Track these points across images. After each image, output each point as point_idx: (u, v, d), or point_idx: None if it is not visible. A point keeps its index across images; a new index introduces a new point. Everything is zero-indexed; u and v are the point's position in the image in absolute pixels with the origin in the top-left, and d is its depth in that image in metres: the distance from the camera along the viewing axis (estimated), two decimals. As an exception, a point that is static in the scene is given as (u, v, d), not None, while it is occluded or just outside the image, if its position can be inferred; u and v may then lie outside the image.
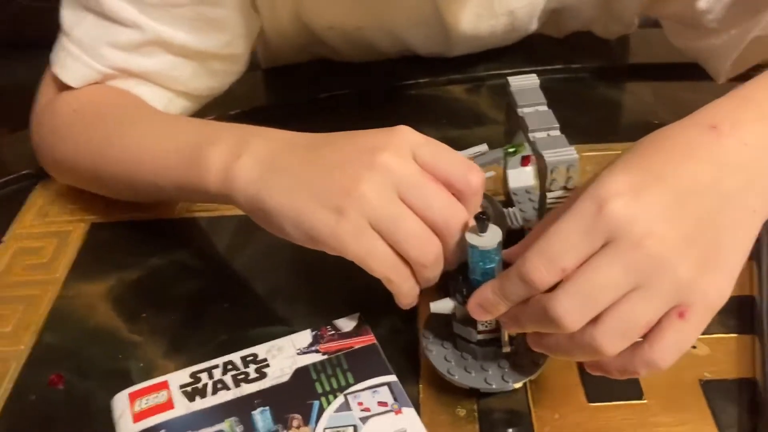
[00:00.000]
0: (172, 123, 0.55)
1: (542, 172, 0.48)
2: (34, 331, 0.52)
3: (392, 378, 0.45)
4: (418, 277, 0.44)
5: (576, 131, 0.49)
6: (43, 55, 0.61)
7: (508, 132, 0.56)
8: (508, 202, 0.58)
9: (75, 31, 0.58)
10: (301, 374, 0.46)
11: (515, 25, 0.69)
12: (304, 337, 0.49)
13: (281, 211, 0.44)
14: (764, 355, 0.45)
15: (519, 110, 0.52)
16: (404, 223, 0.42)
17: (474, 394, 0.45)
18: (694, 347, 0.47)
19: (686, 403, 0.44)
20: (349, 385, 0.45)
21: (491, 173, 0.52)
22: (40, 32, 0.63)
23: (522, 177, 0.59)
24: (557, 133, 0.50)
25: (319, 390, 0.45)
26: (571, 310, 0.36)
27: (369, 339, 0.48)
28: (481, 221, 0.41)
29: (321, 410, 0.44)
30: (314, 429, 0.43)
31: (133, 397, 0.45)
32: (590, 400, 0.45)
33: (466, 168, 0.43)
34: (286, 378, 0.46)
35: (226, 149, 0.47)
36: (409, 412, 0.44)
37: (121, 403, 0.45)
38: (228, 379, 0.46)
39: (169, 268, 0.56)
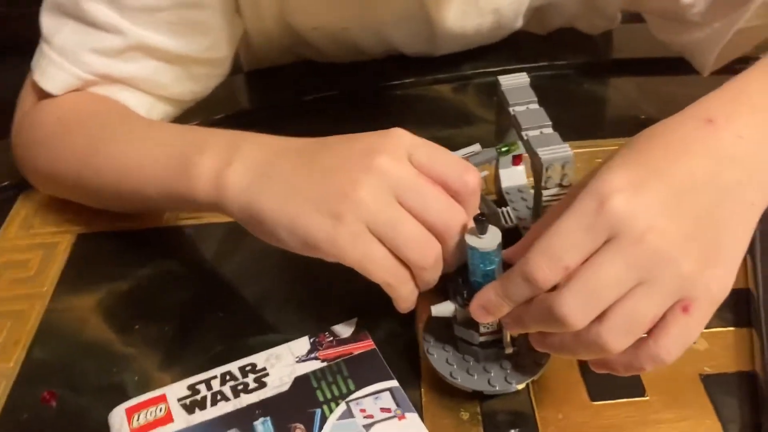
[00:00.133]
0: (158, 130, 0.54)
1: (537, 170, 0.47)
2: (23, 347, 0.51)
3: (394, 383, 0.45)
4: (417, 281, 0.43)
5: (564, 128, 0.49)
6: (23, 63, 0.59)
7: (499, 131, 0.56)
8: (501, 202, 0.58)
9: (55, 38, 0.57)
10: (301, 382, 0.45)
11: (501, 22, 0.68)
12: (302, 344, 0.48)
13: (275, 218, 0.43)
14: (763, 349, 0.45)
15: (510, 109, 0.52)
16: (403, 226, 0.42)
17: (476, 396, 0.45)
18: (693, 342, 0.47)
19: (688, 399, 0.44)
20: (350, 392, 0.45)
21: (485, 173, 0.52)
22: (18, 39, 0.62)
23: (514, 176, 0.59)
24: (550, 130, 0.49)
25: (321, 398, 0.44)
26: (576, 309, 0.36)
27: (368, 344, 0.48)
28: (481, 223, 0.40)
29: (323, 419, 0.43)
30: (318, 438, 0.42)
31: (131, 411, 0.44)
32: (593, 398, 0.45)
33: (463, 169, 0.43)
34: (286, 387, 0.45)
35: (216, 157, 0.46)
36: (413, 418, 0.43)
37: (118, 418, 0.44)
38: (227, 390, 0.45)
39: (160, 278, 0.55)
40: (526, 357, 0.44)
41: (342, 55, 0.72)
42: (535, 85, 0.53)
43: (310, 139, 0.46)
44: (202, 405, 0.45)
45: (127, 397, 0.45)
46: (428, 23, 0.67)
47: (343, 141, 0.44)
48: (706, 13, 0.60)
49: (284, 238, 0.43)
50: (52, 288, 0.55)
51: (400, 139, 0.43)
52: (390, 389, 0.45)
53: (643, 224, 0.36)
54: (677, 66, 0.67)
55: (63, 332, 0.52)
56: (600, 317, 0.36)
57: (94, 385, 0.48)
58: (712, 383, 0.45)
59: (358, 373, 0.46)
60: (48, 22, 0.57)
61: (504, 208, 0.57)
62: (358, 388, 0.45)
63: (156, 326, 0.51)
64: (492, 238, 0.41)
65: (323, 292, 0.53)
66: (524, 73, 0.54)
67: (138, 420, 0.44)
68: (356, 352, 0.47)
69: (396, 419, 0.43)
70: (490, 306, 0.40)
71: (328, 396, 0.45)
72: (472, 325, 0.43)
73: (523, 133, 0.50)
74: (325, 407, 0.44)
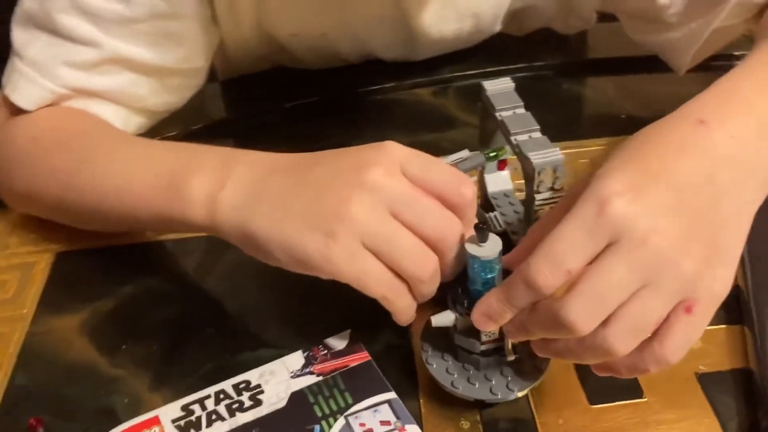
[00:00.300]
0: (143, 148, 0.53)
1: (529, 175, 0.47)
2: (6, 373, 0.49)
3: (392, 395, 0.44)
4: (415, 293, 0.43)
5: (545, 129, 0.49)
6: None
7: (484, 136, 0.56)
8: (487, 207, 0.58)
9: (28, 52, 0.55)
10: (297, 398, 0.45)
11: (480, 26, 0.68)
12: (296, 359, 0.47)
13: (269, 238, 0.42)
14: (757, 346, 0.45)
15: (497, 114, 0.51)
16: (399, 240, 0.41)
17: (476, 404, 0.44)
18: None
19: (686, 398, 0.45)
20: (348, 406, 0.44)
21: (473, 178, 0.52)
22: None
23: (499, 181, 0.58)
24: (539, 134, 0.49)
25: (319, 413, 0.44)
26: (583, 314, 0.36)
27: (363, 356, 0.47)
28: (481, 231, 0.40)
29: (323, 434, 0.43)
30: (319, 455, 0.42)
31: (124, 436, 0.43)
32: (592, 402, 0.45)
33: (459, 181, 0.42)
34: (282, 403, 0.45)
35: (209, 178, 0.45)
36: (413, 430, 0.43)
37: (111, 443, 0.43)
38: (222, 409, 0.44)
39: (145, 295, 0.54)
40: (526, 363, 0.44)
41: (320, 62, 0.71)
42: (515, 87, 0.52)
43: (301, 155, 0.45)
44: (197, 426, 0.44)
45: (118, 421, 0.44)
46: (407, 28, 0.67)
47: (335, 156, 0.44)
48: (683, 14, 0.60)
49: (279, 258, 0.42)
50: (32, 310, 0.53)
51: (392, 152, 0.42)
52: (389, 401, 0.44)
53: (645, 227, 0.36)
54: (653, 64, 0.67)
55: (47, 356, 0.50)
56: (605, 321, 0.36)
57: (82, 409, 0.47)
58: (708, 382, 0.45)
59: (355, 386, 0.45)
60: (19, 35, 0.55)
61: (491, 214, 0.57)
62: (356, 401, 0.44)
63: (144, 345, 0.50)
64: (492, 246, 0.40)
65: (313, 304, 0.52)
66: (508, 78, 0.54)
67: (132, 444, 0.43)
68: (352, 365, 0.46)
69: (397, 432, 0.43)
70: (492, 313, 0.40)
71: (326, 411, 0.44)
72: (473, 333, 0.42)
73: (512, 138, 0.49)
74: (323, 423, 0.43)
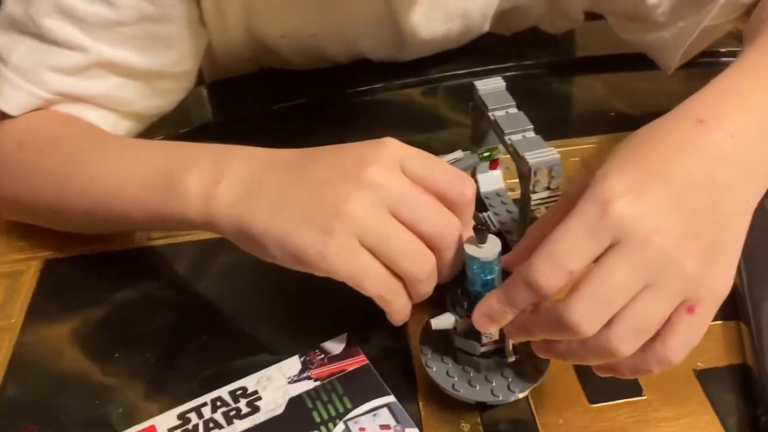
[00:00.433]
0: (136, 147, 0.52)
1: (525, 175, 0.47)
2: (-5, 385, 0.48)
3: (391, 398, 0.44)
4: (411, 293, 0.43)
5: (536, 129, 0.49)
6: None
7: (476, 136, 0.55)
8: (480, 207, 0.58)
9: (12, 57, 0.54)
10: (295, 404, 0.44)
11: (469, 26, 0.68)
12: (293, 364, 0.47)
13: (266, 233, 0.42)
14: (754, 341, 0.45)
15: (490, 114, 0.51)
16: (397, 239, 0.41)
17: (475, 406, 0.44)
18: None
19: (685, 395, 0.45)
20: (347, 411, 0.44)
21: (468, 179, 0.51)
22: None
23: (492, 180, 0.58)
24: (532, 134, 0.49)
25: (317, 419, 0.43)
26: (587, 316, 0.36)
27: (360, 360, 0.47)
28: (481, 232, 0.40)
29: (323, 440, 0.42)
30: (319, 461, 0.41)
31: (120, 446, 0.42)
32: (591, 401, 0.44)
33: (460, 179, 0.42)
34: (280, 410, 0.44)
35: (204, 174, 0.45)
36: (414, 433, 0.42)
37: (107, 454, 0.42)
38: (219, 416, 0.44)
39: (137, 301, 0.53)
40: (526, 364, 0.44)
41: (308, 63, 0.71)
42: (505, 86, 0.52)
43: (298, 151, 0.45)
44: (194, 434, 0.43)
45: (113, 431, 0.43)
46: (396, 29, 0.66)
47: (333, 152, 0.43)
48: (671, 13, 0.60)
49: (276, 254, 0.42)
50: (20, 319, 0.52)
51: (392, 149, 0.42)
52: (388, 405, 0.44)
53: (647, 227, 0.36)
54: (642, 62, 0.67)
55: (37, 366, 0.49)
56: (609, 323, 0.36)
57: (76, 420, 0.46)
58: (706, 378, 0.45)
59: (354, 390, 0.45)
60: (2, 40, 0.54)
61: (484, 214, 0.56)
62: (355, 406, 0.44)
63: (137, 353, 0.49)
64: (492, 247, 0.40)
65: (309, 307, 0.51)
66: (500, 78, 0.54)
67: (128, 455, 0.42)
68: (349, 369, 0.46)
69: (398, 436, 0.42)
70: (493, 314, 0.39)
71: (325, 416, 0.43)
72: (474, 335, 0.42)
73: (506, 138, 0.49)
74: (323, 428, 0.43)
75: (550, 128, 0.50)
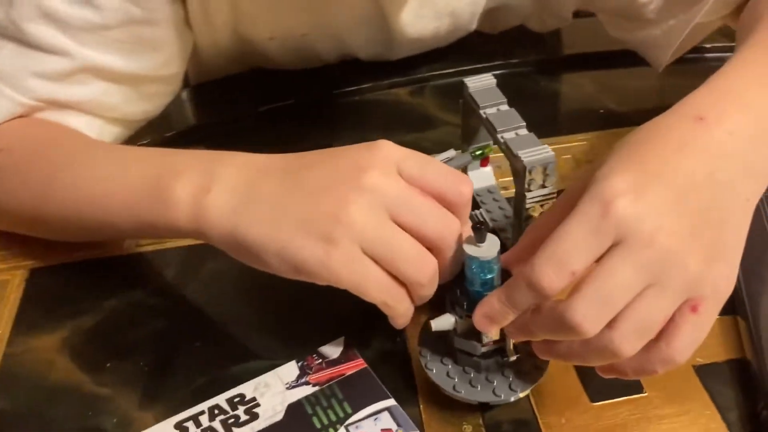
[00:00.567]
0: (123, 155, 0.51)
1: (519, 174, 0.47)
2: (-17, 398, 0.47)
3: (391, 402, 0.44)
4: (413, 297, 0.42)
5: (527, 127, 0.48)
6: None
7: (466, 134, 0.55)
8: (473, 204, 0.57)
9: (-7, 62, 0.53)
10: (294, 410, 0.44)
11: (457, 25, 0.68)
12: (291, 369, 0.46)
13: (263, 244, 0.41)
14: (752, 335, 0.45)
15: (482, 111, 0.51)
16: (399, 245, 0.40)
17: (477, 407, 0.44)
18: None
19: (685, 391, 0.44)
20: (348, 416, 0.43)
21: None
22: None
23: (483, 177, 0.58)
24: (525, 131, 0.49)
25: (318, 425, 0.43)
26: (589, 316, 0.35)
27: (359, 363, 0.46)
28: (479, 231, 0.39)
29: (324, 446, 0.42)
30: (321, 468, 0.41)
31: (116, 458, 0.41)
32: (593, 399, 0.44)
33: (458, 180, 0.42)
34: (279, 416, 0.43)
35: (193, 181, 0.44)
36: (416, 436, 0.42)
37: (103, 466, 0.41)
38: (217, 425, 0.43)
39: (128, 309, 0.52)
40: (526, 362, 0.43)
41: (296, 63, 0.70)
42: (495, 83, 0.52)
43: (292, 156, 0.44)
44: (193, 444, 0.42)
45: (108, 443, 0.42)
46: (385, 27, 0.66)
47: (328, 157, 0.43)
48: (662, 11, 0.60)
49: (273, 264, 0.41)
50: (7, 330, 0.51)
51: (388, 153, 0.41)
52: (388, 408, 0.43)
53: (650, 226, 0.35)
54: (631, 58, 0.67)
55: (27, 377, 0.48)
56: (611, 323, 0.36)
57: (69, 432, 0.45)
58: (705, 373, 0.45)
59: (353, 394, 0.44)
60: (-17, 45, 0.53)
61: (476, 211, 0.56)
62: (355, 410, 0.43)
63: (130, 362, 0.48)
64: (491, 246, 0.40)
65: (303, 311, 0.50)
66: (490, 75, 0.53)
67: (125, 466, 0.41)
68: (348, 373, 0.45)
69: (399, 440, 0.42)
70: (494, 315, 0.39)
71: (325, 422, 0.43)
72: (474, 335, 0.42)
73: (499, 136, 0.49)
74: (323, 434, 0.42)
75: (540, 126, 0.50)
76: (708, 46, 0.69)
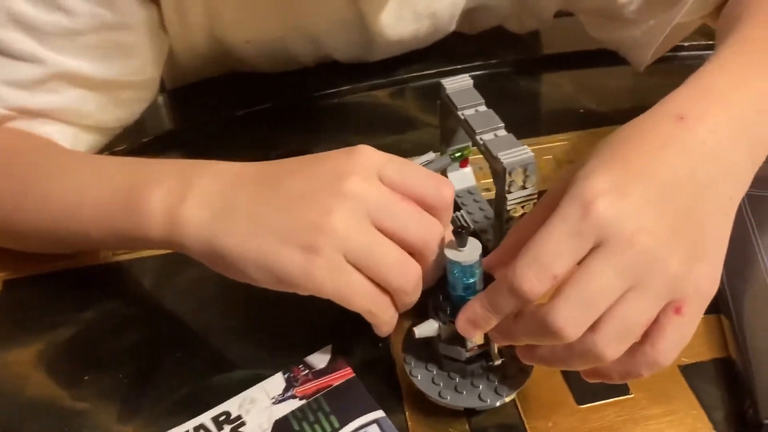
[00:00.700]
0: (96, 164, 0.50)
1: (499, 175, 0.46)
2: (-43, 415, 0.46)
3: (380, 414, 0.43)
4: (398, 304, 0.42)
5: (507, 128, 0.48)
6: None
7: (445, 135, 0.55)
8: (454, 206, 0.57)
9: (-37, 71, 0.51)
10: (281, 426, 0.42)
11: (437, 26, 0.67)
12: (277, 382, 0.45)
13: (242, 255, 0.40)
14: (736, 334, 0.45)
15: (459, 113, 0.50)
16: (381, 252, 0.40)
17: (463, 413, 0.43)
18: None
19: (671, 392, 0.44)
20: (335, 430, 0.42)
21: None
22: None
23: (463, 178, 0.58)
24: (504, 132, 0.48)
25: (304, 440, 0.42)
26: (570, 319, 0.35)
27: (347, 373, 0.45)
28: (460, 235, 0.39)
29: (311, 462, 0.41)
30: (307, 484, 0.40)
31: (95, 475, 0.40)
32: (579, 402, 0.44)
33: (439, 183, 0.41)
34: (266, 433, 0.42)
35: (168, 191, 0.43)
36: (403, 446, 0.41)
37: (82, 484, 0.40)
38: (202, 443, 0.42)
39: (105, 320, 0.51)
40: (511, 366, 0.43)
41: (274, 66, 0.69)
42: (473, 83, 0.51)
43: (268, 163, 0.43)
44: (176, 462, 0.41)
45: (87, 459, 0.41)
46: (364, 29, 0.65)
47: (307, 163, 0.42)
48: (642, 11, 0.60)
49: (253, 275, 0.40)
50: (-20, 345, 0.50)
51: (368, 158, 0.41)
52: (377, 421, 0.42)
53: (630, 227, 0.35)
54: (609, 58, 0.67)
55: (1, 393, 0.47)
56: (593, 326, 0.35)
57: (46, 449, 0.44)
58: (691, 373, 0.45)
59: (341, 407, 0.43)
60: (-49, 52, 0.52)
61: (457, 213, 0.56)
62: (343, 424, 0.42)
63: (108, 374, 0.47)
64: (472, 250, 0.39)
65: (289, 319, 0.49)
66: (467, 75, 0.53)
67: (105, 483, 0.40)
68: (335, 384, 0.44)
69: (387, 452, 0.41)
70: (477, 320, 0.38)
71: (312, 437, 0.42)
72: (458, 341, 0.41)
73: (478, 138, 0.48)
74: (310, 449, 0.41)
75: (521, 127, 0.49)
76: (686, 44, 0.70)
